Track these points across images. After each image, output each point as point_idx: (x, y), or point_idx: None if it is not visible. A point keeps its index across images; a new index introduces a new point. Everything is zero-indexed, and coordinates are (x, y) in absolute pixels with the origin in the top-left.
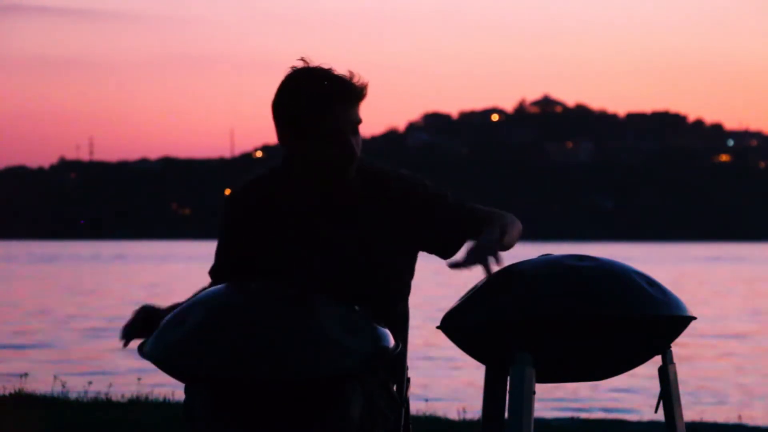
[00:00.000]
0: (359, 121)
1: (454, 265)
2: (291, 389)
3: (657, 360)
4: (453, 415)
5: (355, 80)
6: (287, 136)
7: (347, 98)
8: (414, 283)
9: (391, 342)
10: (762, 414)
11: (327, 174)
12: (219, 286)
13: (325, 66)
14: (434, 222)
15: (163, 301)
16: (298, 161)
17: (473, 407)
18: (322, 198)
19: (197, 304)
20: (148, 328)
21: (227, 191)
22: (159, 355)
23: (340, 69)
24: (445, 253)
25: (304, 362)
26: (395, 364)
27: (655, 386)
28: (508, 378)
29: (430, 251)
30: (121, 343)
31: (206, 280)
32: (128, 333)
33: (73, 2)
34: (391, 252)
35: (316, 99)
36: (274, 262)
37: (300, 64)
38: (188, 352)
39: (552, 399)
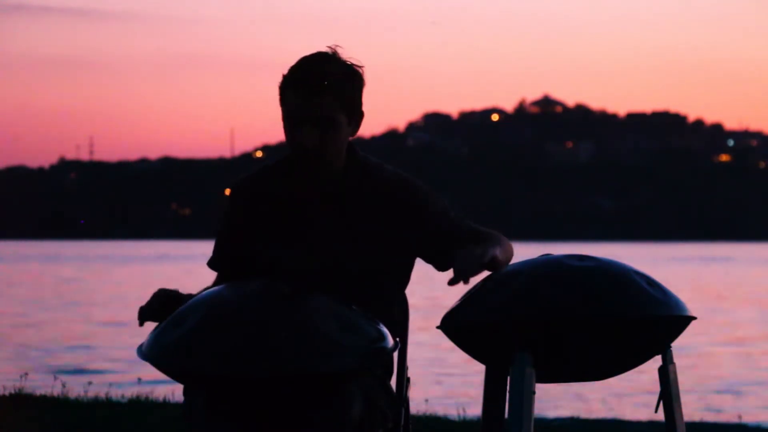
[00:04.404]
0: (325, 114)
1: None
2: (288, 387)
3: (657, 360)
4: (453, 415)
5: (322, 70)
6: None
7: (295, 87)
8: (414, 281)
9: (390, 341)
10: (762, 414)
11: (298, 164)
12: (217, 287)
13: (353, 60)
14: (433, 234)
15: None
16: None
17: (473, 407)
18: (313, 190)
19: (195, 305)
20: (163, 311)
21: (228, 191)
22: (156, 356)
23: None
24: (441, 265)
25: (301, 360)
26: (395, 363)
27: (655, 386)
28: (508, 378)
29: (427, 261)
30: (138, 324)
31: (206, 277)
32: (143, 314)
33: (75, 2)
34: (380, 251)
35: (281, 85)
36: (264, 255)
37: (322, 50)
38: (185, 352)
39: (552, 399)
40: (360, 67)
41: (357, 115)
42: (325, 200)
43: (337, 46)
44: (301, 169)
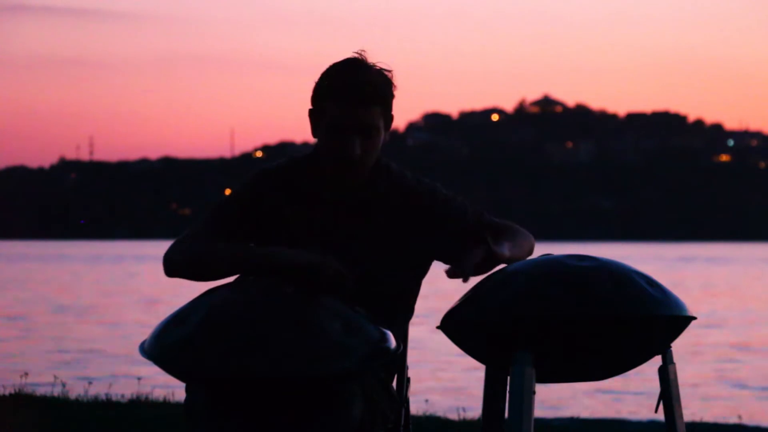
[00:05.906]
0: (370, 123)
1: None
2: (290, 388)
3: (657, 360)
4: (453, 415)
5: (366, 80)
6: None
7: (341, 97)
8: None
9: (393, 343)
10: (762, 414)
11: (330, 171)
12: (220, 285)
13: (381, 64)
14: (454, 237)
15: (159, 302)
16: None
17: (473, 407)
18: (341, 195)
19: (198, 303)
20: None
21: (228, 191)
22: (159, 355)
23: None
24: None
25: (303, 361)
26: (395, 363)
27: (655, 386)
28: (508, 378)
29: (447, 261)
30: None
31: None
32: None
33: (75, 2)
34: (402, 257)
35: (317, 92)
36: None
37: (352, 56)
38: (188, 351)
39: (552, 399)
40: (389, 71)
41: (390, 119)
42: (351, 205)
43: (363, 51)
44: (339, 175)
